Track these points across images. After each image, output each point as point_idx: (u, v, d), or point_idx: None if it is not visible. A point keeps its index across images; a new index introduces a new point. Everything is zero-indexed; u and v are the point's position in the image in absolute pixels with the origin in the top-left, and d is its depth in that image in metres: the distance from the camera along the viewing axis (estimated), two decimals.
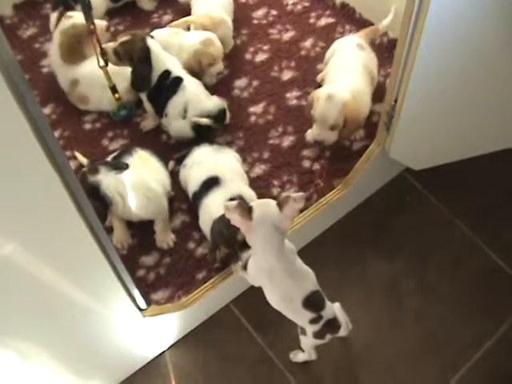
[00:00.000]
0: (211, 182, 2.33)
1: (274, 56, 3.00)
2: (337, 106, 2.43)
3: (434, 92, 2.17)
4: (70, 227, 1.58)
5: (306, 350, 2.23)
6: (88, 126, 2.79)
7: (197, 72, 2.76)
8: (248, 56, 3.01)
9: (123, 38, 2.58)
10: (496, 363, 2.32)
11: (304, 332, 2.08)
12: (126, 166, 2.27)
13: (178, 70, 2.64)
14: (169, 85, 2.60)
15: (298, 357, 2.30)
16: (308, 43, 3.03)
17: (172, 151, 2.66)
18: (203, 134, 2.60)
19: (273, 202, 1.90)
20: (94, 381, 2.28)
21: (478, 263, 2.54)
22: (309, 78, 2.90)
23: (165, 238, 2.41)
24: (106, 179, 2.21)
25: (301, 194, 1.87)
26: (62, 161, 1.39)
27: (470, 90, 2.22)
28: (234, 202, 1.87)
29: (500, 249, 2.56)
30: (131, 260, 2.37)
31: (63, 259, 1.64)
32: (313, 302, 1.97)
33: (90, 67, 2.73)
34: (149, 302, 2.22)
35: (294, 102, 2.81)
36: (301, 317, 2.02)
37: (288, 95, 2.82)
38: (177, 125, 2.64)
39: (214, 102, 2.64)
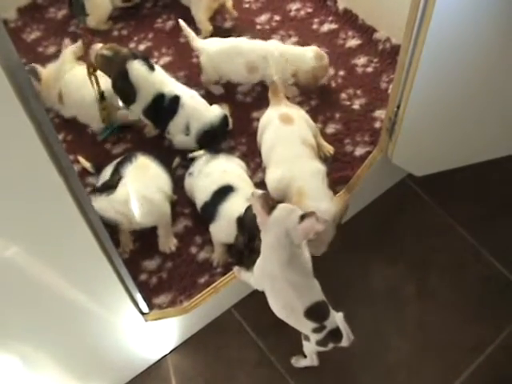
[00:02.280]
0: (225, 191, 2.32)
1: None
2: None
3: (436, 98, 2.17)
4: (74, 232, 1.58)
5: (309, 355, 2.23)
6: (90, 130, 2.79)
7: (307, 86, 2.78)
8: None
9: (104, 52, 2.55)
10: (497, 369, 2.32)
11: (307, 338, 2.08)
12: (118, 180, 2.28)
13: (172, 87, 2.62)
14: (167, 106, 2.58)
15: (300, 362, 2.31)
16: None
17: (175, 155, 2.66)
18: (207, 144, 2.60)
19: (297, 211, 1.91)
20: None
21: (480, 269, 2.54)
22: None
23: (167, 243, 2.42)
24: (99, 204, 2.22)
25: (326, 219, 1.89)
26: (66, 164, 1.40)
27: (472, 97, 2.22)
28: (260, 192, 1.92)
29: (501, 255, 2.57)
30: (134, 264, 2.37)
31: (66, 263, 1.65)
32: (315, 313, 1.97)
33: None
34: (151, 306, 2.22)
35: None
36: (303, 326, 2.02)
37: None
38: (181, 140, 2.63)
39: (214, 113, 2.63)
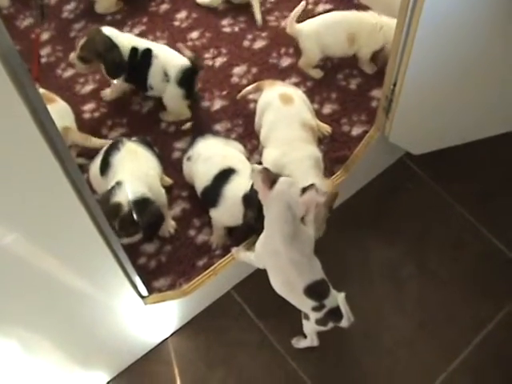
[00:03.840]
0: (226, 173, 2.30)
1: (273, 43, 2.99)
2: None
3: (432, 75, 2.16)
4: (72, 215, 1.58)
5: (309, 335, 2.24)
6: (87, 116, 2.79)
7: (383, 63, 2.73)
8: (246, 43, 2.99)
9: (81, 42, 2.62)
10: (497, 346, 2.33)
11: (307, 317, 2.08)
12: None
13: (142, 42, 2.71)
14: (141, 60, 2.66)
15: (300, 343, 2.31)
16: None
17: (171, 138, 2.67)
18: (189, 86, 2.70)
19: (298, 184, 1.92)
20: (97, 369, 2.28)
21: (478, 247, 2.54)
22: None
23: (166, 226, 2.41)
24: None
25: (325, 190, 1.89)
26: (62, 149, 1.39)
27: (469, 73, 2.21)
28: (261, 167, 1.93)
29: (500, 232, 2.57)
30: (132, 248, 2.36)
31: (64, 247, 1.64)
32: (315, 291, 1.98)
33: None
34: (150, 290, 2.22)
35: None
36: (303, 304, 2.02)
37: (287, 81, 2.80)
38: (167, 92, 2.69)
39: (185, 55, 2.73)
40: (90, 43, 2.60)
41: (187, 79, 2.69)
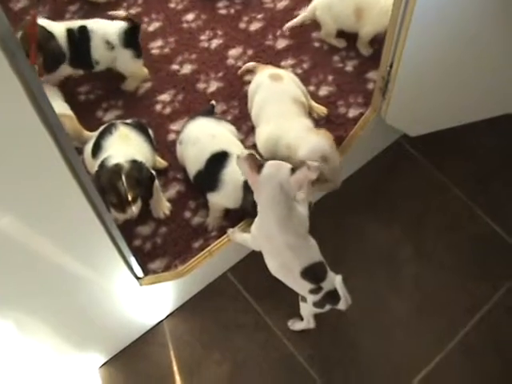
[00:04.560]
0: (220, 157, 2.29)
1: (269, 25, 2.97)
2: None
3: (430, 56, 2.15)
4: (67, 196, 1.57)
5: (305, 317, 2.23)
6: (82, 98, 2.77)
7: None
8: (242, 25, 2.98)
9: (18, 35, 2.54)
10: (493, 327, 2.34)
11: (304, 299, 2.08)
12: None
13: (74, 23, 2.69)
14: (79, 37, 2.65)
15: (297, 325, 2.31)
16: (302, 11, 2.99)
17: (167, 120, 2.65)
18: (135, 43, 2.72)
19: (286, 165, 1.91)
20: (93, 350, 2.29)
21: (475, 229, 2.55)
22: (303, 47, 2.87)
23: (161, 207, 2.40)
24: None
25: (316, 164, 1.87)
26: (57, 128, 1.38)
27: (466, 54, 2.20)
28: (246, 152, 1.89)
29: (496, 214, 2.57)
30: (127, 230, 2.35)
31: (59, 228, 1.63)
32: (312, 274, 1.97)
33: None
34: (146, 272, 2.22)
35: (289, 70, 2.77)
36: (300, 286, 2.02)
37: (283, 63, 2.79)
38: (118, 59, 2.71)
39: (120, 17, 2.74)
40: (26, 36, 2.50)
41: (131, 39, 2.69)
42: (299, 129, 2.30)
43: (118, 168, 2.18)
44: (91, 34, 2.64)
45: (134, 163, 2.22)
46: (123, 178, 2.16)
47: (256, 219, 2.01)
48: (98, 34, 2.65)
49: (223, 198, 2.30)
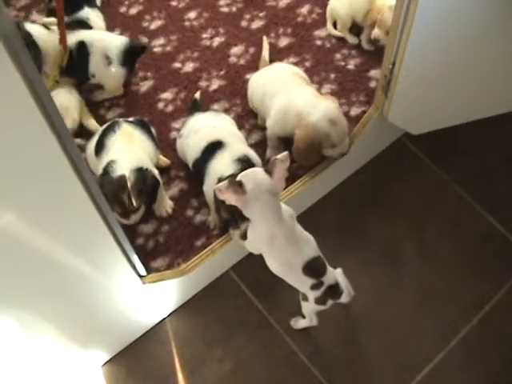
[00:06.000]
0: (214, 147, 2.29)
1: (271, 23, 2.97)
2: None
3: (432, 54, 2.15)
4: (70, 195, 1.57)
5: (308, 315, 2.23)
6: (85, 96, 2.77)
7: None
8: (244, 23, 2.98)
9: None
10: (495, 325, 2.34)
11: (306, 298, 2.07)
12: None
13: (71, 37, 2.66)
14: (77, 54, 2.64)
15: (299, 323, 2.31)
16: (304, 9, 3.00)
17: (169, 118, 2.66)
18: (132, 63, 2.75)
19: (260, 170, 1.90)
20: (95, 348, 2.29)
21: (477, 227, 2.54)
22: (305, 45, 2.87)
23: (163, 206, 2.40)
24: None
25: (285, 153, 1.87)
26: (60, 126, 1.38)
27: (469, 52, 2.20)
28: (225, 182, 1.84)
29: (498, 213, 2.57)
30: (130, 229, 2.35)
31: (62, 226, 1.63)
32: (313, 268, 1.97)
33: None
34: (148, 270, 2.22)
35: None
36: (302, 283, 2.01)
37: (285, 62, 2.79)
38: (109, 74, 2.69)
39: (122, 38, 2.75)
40: None
41: (130, 56, 2.70)
42: (307, 96, 2.38)
43: (123, 181, 2.18)
44: (90, 49, 2.65)
45: (139, 173, 2.22)
46: (128, 190, 2.17)
47: (248, 230, 2.01)
48: (98, 49, 2.65)
49: (207, 188, 2.31)
